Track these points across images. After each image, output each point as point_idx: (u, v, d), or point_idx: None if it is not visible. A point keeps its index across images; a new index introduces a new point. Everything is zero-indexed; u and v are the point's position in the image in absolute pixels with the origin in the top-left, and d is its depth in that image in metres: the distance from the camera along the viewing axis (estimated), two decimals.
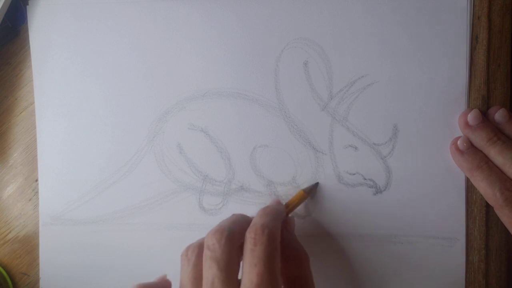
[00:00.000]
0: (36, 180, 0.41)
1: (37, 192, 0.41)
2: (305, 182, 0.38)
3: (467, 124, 0.35)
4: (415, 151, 0.37)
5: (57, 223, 0.40)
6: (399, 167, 0.37)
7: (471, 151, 0.35)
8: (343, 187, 0.38)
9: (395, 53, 0.37)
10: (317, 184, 0.38)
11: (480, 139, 0.34)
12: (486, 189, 0.33)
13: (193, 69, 0.39)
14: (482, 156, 0.34)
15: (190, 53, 0.39)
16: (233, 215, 0.33)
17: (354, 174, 0.38)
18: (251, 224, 0.31)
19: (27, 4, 0.40)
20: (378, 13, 0.37)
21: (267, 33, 0.38)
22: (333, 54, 0.37)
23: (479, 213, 0.36)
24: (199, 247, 0.31)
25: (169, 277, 0.39)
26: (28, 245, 0.41)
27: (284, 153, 0.38)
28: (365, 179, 0.37)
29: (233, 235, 0.30)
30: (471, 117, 0.35)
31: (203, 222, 0.39)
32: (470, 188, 0.36)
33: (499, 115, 0.34)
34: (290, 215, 0.36)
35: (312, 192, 0.37)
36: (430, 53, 0.36)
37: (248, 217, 0.33)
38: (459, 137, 0.35)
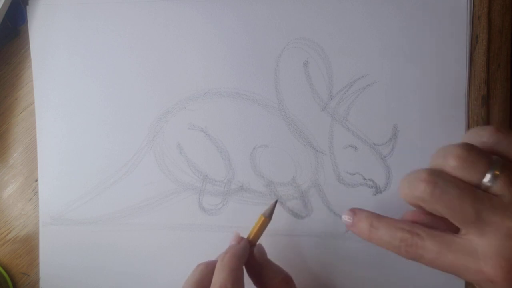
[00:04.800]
0: (36, 180, 0.41)
1: (37, 192, 0.41)
2: (305, 182, 0.38)
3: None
4: (415, 151, 0.37)
5: (57, 223, 0.40)
6: (399, 167, 0.37)
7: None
8: (343, 187, 0.38)
9: (395, 53, 0.37)
10: (275, 202, 0.35)
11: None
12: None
13: (193, 69, 0.39)
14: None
15: (190, 53, 0.39)
16: (197, 268, 0.33)
17: (354, 174, 0.37)
18: (212, 284, 0.30)
19: (27, 4, 0.40)
20: (378, 13, 0.37)
21: (267, 33, 0.38)
22: (333, 54, 0.37)
23: None
24: None
25: (168, 277, 0.39)
26: (28, 245, 0.41)
27: (284, 153, 0.38)
28: (365, 179, 0.37)
29: None
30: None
31: (203, 222, 0.39)
32: None
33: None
34: (258, 242, 0.35)
35: (272, 213, 0.35)
36: (430, 53, 0.36)
37: (212, 266, 0.32)
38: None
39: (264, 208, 0.38)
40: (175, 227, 0.39)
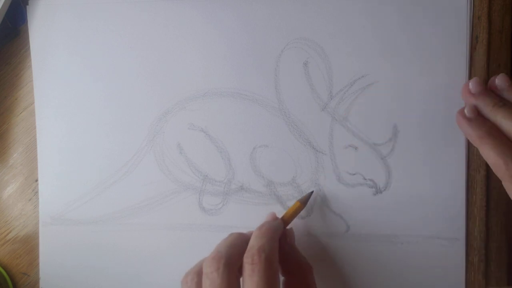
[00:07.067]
0: (36, 180, 0.41)
1: (37, 192, 0.41)
2: (305, 182, 0.38)
3: (470, 92, 0.33)
4: (415, 151, 0.37)
5: (57, 223, 0.40)
6: (399, 167, 0.37)
7: (479, 118, 0.33)
8: (343, 187, 0.38)
9: (395, 53, 0.37)
10: (311, 192, 0.37)
11: (484, 105, 0.33)
12: (497, 159, 0.31)
13: (193, 69, 0.39)
14: (491, 123, 0.32)
15: (190, 53, 0.39)
16: (230, 235, 0.33)
17: (354, 174, 0.38)
18: (248, 248, 0.31)
19: (27, 4, 0.40)
20: (378, 13, 0.37)
21: (267, 33, 0.38)
22: (333, 54, 0.37)
23: (479, 213, 0.36)
24: (198, 275, 0.30)
25: (168, 277, 0.39)
26: (28, 245, 0.41)
27: (284, 153, 0.38)
28: (365, 179, 0.37)
29: (231, 260, 0.30)
30: (473, 84, 0.33)
31: (203, 222, 0.39)
32: (470, 188, 0.36)
33: (499, 80, 0.33)
34: (288, 227, 0.36)
35: (308, 201, 0.37)
36: (430, 53, 0.36)
37: (245, 235, 0.33)
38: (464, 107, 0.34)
39: (264, 208, 0.38)
40: (175, 227, 0.39)
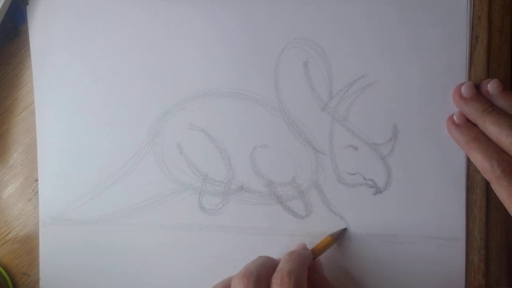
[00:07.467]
0: (36, 180, 0.41)
1: (37, 192, 0.41)
2: (305, 182, 0.38)
3: (461, 96, 0.35)
4: (415, 151, 0.37)
5: (57, 223, 0.40)
6: (399, 167, 0.37)
7: (467, 124, 0.34)
8: (343, 187, 0.38)
9: (395, 53, 0.37)
10: (345, 229, 0.37)
11: (474, 110, 0.34)
12: (483, 162, 0.32)
13: (193, 69, 0.39)
14: (479, 129, 0.34)
15: (190, 53, 0.39)
16: (260, 257, 0.33)
17: (354, 174, 0.38)
18: (277, 269, 0.31)
19: (27, 4, 0.40)
20: (378, 13, 0.37)
21: (267, 33, 0.38)
22: (333, 54, 0.37)
23: (479, 213, 0.36)
24: None
25: (168, 277, 0.39)
26: (28, 245, 0.41)
27: (284, 153, 0.38)
28: (365, 179, 0.37)
29: (260, 279, 0.30)
30: (465, 88, 0.34)
31: (203, 222, 0.39)
32: (470, 188, 0.36)
33: (491, 86, 0.34)
34: (316, 259, 0.36)
35: (340, 237, 0.37)
36: (430, 53, 0.36)
37: (274, 260, 0.33)
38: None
39: (264, 208, 0.38)
40: (175, 227, 0.39)
